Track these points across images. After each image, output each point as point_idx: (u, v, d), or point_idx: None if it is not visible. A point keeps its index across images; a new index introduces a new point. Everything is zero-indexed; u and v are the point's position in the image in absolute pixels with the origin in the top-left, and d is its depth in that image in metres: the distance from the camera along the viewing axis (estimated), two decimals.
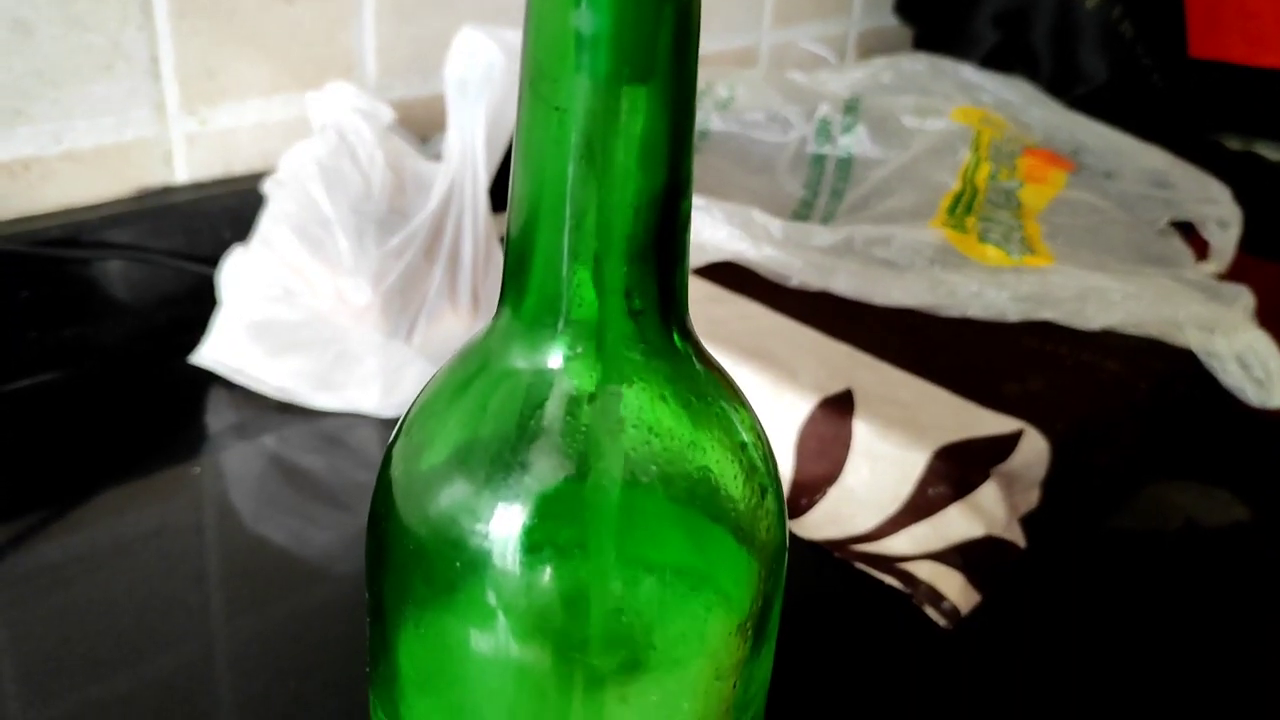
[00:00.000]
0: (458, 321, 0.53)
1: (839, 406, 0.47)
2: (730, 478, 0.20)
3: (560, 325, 0.19)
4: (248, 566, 0.42)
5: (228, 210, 0.57)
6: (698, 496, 0.19)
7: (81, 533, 0.43)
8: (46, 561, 0.41)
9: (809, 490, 0.46)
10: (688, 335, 0.20)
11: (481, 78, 0.52)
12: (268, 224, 0.52)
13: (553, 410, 0.19)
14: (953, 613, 0.41)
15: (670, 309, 0.19)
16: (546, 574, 0.18)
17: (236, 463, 0.49)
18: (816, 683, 0.38)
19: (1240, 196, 0.71)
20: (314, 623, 0.40)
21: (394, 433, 0.21)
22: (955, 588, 0.41)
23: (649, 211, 0.18)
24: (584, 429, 0.19)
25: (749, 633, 0.20)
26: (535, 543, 0.18)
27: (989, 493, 0.44)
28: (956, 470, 0.44)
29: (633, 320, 0.19)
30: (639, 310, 0.19)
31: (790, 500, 0.46)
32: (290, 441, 0.49)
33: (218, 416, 0.51)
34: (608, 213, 0.18)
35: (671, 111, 0.18)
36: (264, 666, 0.37)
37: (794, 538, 0.44)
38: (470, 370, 0.20)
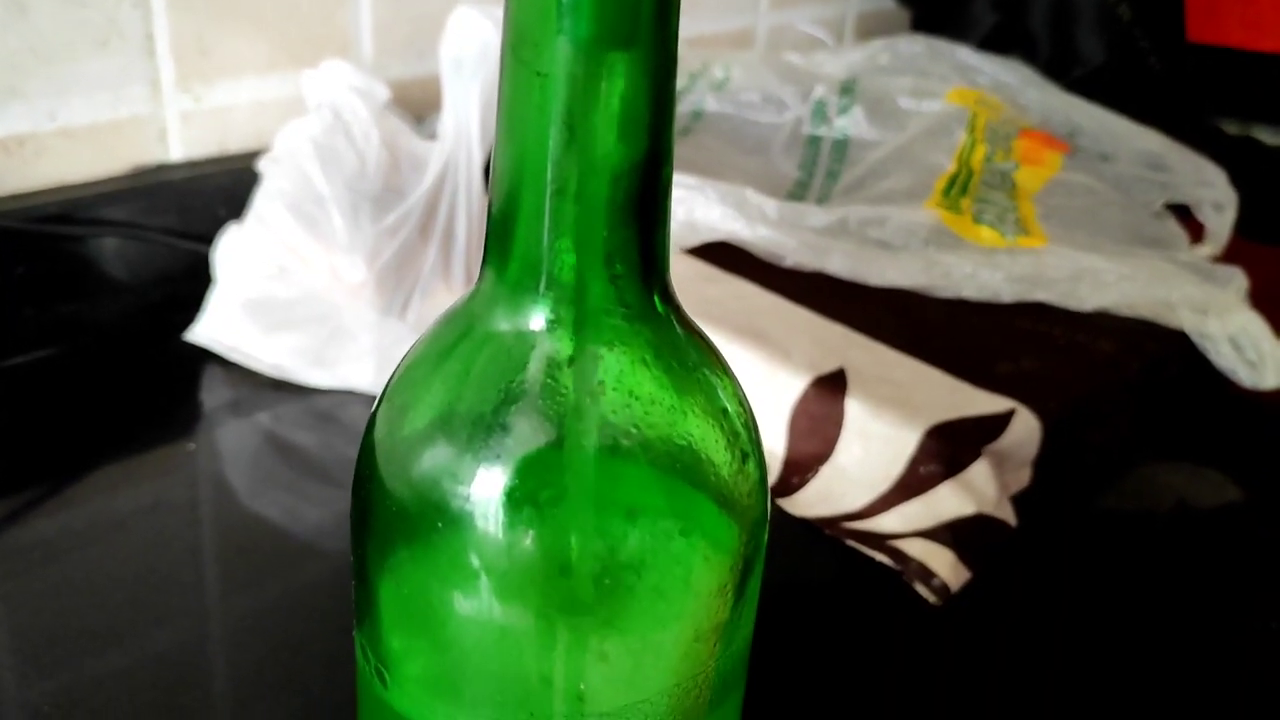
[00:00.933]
0: (451, 298, 0.52)
1: (832, 385, 0.47)
2: (711, 442, 0.20)
3: (542, 289, 0.19)
4: (242, 542, 0.43)
5: (222, 188, 0.57)
6: (678, 460, 0.19)
7: (76, 509, 0.43)
8: (41, 537, 0.41)
9: (801, 469, 0.46)
10: (669, 300, 0.20)
11: (477, 57, 0.52)
12: (262, 202, 0.52)
13: (534, 373, 0.19)
14: (943, 590, 0.41)
15: (651, 274, 0.19)
16: (527, 535, 0.19)
17: (231, 440, 0.49)
18: (806, 658, 0.38)
19: (1237, 181, 0.71)
20: (307, 598, 0.40)
21: (379, 396, 0.21)
22: (946, 565, 0.41)
23: (630, 177, 0.18)
24: (564, 392, 0.19)
25: (729, 595, 0.20)
26: (516, 504, 0.19)
27: (980, 471, 0.44)
28: (948, 449, 0.44)
29: (614, 285, 0.19)
30: (620, 275, 0.19)
31: (782, 478, 0.46)
32: (284, 418, 0.50)
33: (212, 394, 0.51)
34: (589, 178, 0.18)
35: (653, 78, 0.18)
36: (258, 641, 0.38)
37: (785, 515, 0.45)
38: (454, 334, 0.20)
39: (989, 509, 0.44)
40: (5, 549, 0.41)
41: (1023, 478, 0.47)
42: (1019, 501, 0.46)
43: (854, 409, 0.46)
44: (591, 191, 0.18)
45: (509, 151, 0.18)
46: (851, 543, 0.43)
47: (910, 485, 0.44)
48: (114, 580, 0.40)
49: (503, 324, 0.19)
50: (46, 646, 0.36)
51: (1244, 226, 0.69)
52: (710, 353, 0.21)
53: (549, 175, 0.18)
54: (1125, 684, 0.39)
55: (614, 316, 0.19)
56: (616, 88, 0.17)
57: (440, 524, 0.19)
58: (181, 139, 0.58)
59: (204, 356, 0.52)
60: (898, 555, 0.42)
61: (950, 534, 0.42)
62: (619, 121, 0.18)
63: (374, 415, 0.21)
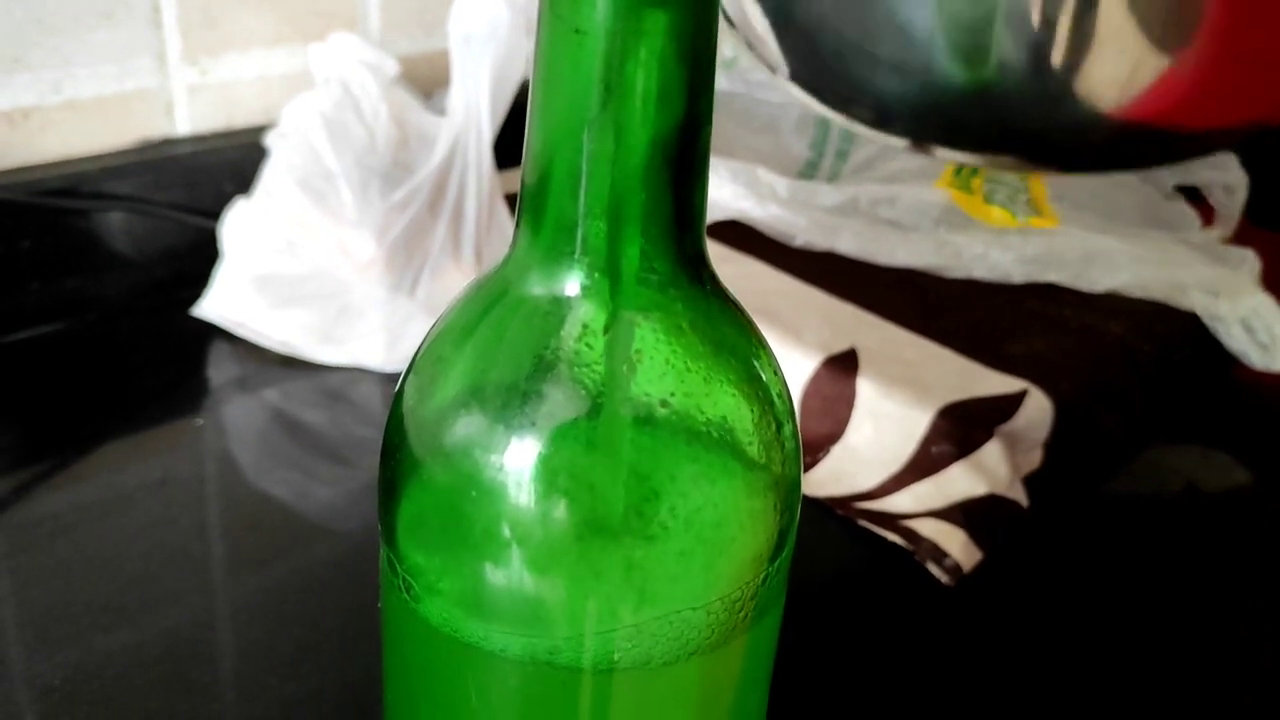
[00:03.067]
0: (461, 277, 0.52)
1: (843, 365, 0.47)
2: (746, 411, 0.20)
3: (577, 254, 0.19)
4: (251, 519, 0.42)
5: (230, 163, 0.57)
6: (713, 429, 0.19)
7: (85, 484, 0.43)
8: (50, 512, 0.41)
9: (812, 448, 0.46)
10: (705, 267, 0.20)
11: (486, 33, 0.52)
12: (270, 176, 0.51)
13: (568, 340, 0.19)
14: (955, 569, 0.41)
15: (688, 241, 0.19)
16: (560, 505, 0.18)
17: (239, 416, 0.49)
18: (819, 638, 0.38)
19: (1247, 167, 0.71)
20: (317, 574, 0.40)
21: (409, 363, 0.21)
22: (958, 545, 0.41)
23: (668, 141, 0.18)
24: (599, 359, 0.19)
25: (763, 563, 0.20)
26: (550, 474, 0.18)
27: (992, 451, 0.44)
28: (960, 429, 0.44)
29: (649, 251, 0.19)
30: (656, 241, 0.19)
31: None
32: (293, 396, 0.49)
33: (220, 370, 0.51)
34: (626, 141, 0.18)
35: (693, 38, 0.17)
36: (268, 617, 0.37)
37: None
38: (487, 300, 0.20)
39: (1001, 489, 0.44)
40: (14, 524, 0.41)
41: (1034, 459, 0.47)
42: (1030, 483, 0.45)
43: (865, 389, 0.46)
44: (629, 154, 0.18)
45: (545, 112, 0.18)
46: (863, 523, 0.43)
47: (922, 465, 0.44)
48: (123, 556, 0.39)
49: (537, 290, 0.19)
50: (55, 622, 0.36)
51: (1255, 214, 0.68)
52: (745, 321, 0.21)
53: (585, 137, 0.18)
54: (1135, 664, 0.39)
55: (649, 284, 0.19)
56: (655, 46, 0.17)
57: (474, 493, 0.19)
58: (188, 113, 0.58)
59: (212, 332, 0.52)
60: (910, 535, 0.42)
61: (962, 514, 0.42)
62: (658, 82, 0.17)
63: (403, 383, 0.21)
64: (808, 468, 0.45)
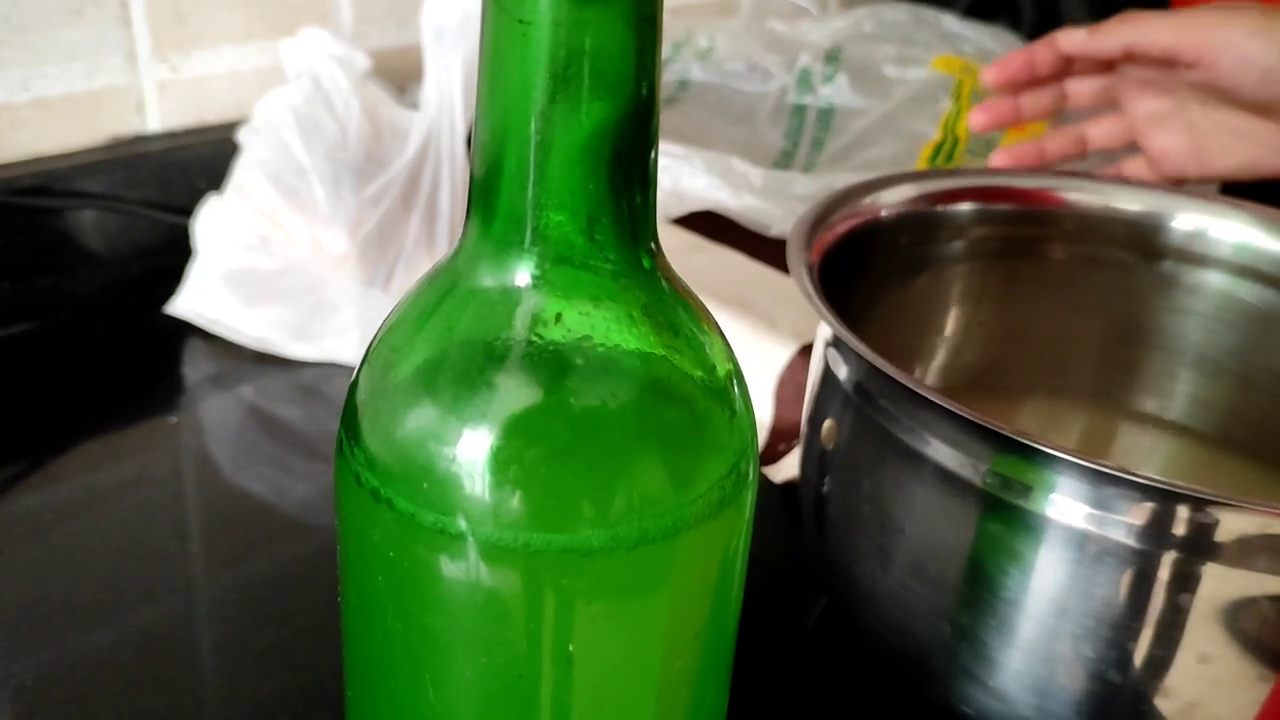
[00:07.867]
0: None
1: None
2: (698, 398, 0.20)
3: (527, 245, 0.19)
4: (226, 516, 0.42)
5: (201, 159, 0.56)
6: (664, 417, 0.19)
7: (59, 483, 0.43)
8: (24, 512, 0.41)
9: (787, 435, 0.46)
10: (655, 257, 0.20)
11: (458, 25, 0.52)
12: (243, 172, 0.51)
13: (519, 330, 0.19)
14: None
15: (638, 230, 0.19)
16: (514, 496, 0.18)
17: (214, 413, 0.49)
18: (797, 620, 0.38)
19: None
20: (292, 570, 0.40)
21: (362, 356, 0.21)
22: None
23: (615, 130, 0.18)
24: (550, 348, 0.19)
25: (717, 552, 0.20)
26: (503, 464, 0.18)
27: None
28: None
29: (599, 241, 0.19)
30: (606, 230, 0.19)
31: (769, 446, 0.46)
32: (268, 392, 0.49)
33: (195, 367, 0.51)
34: (574, 130, 0.18)
35: (638, 26, 0.17)
36: (243, 614, 0.37)
37: (770, 484, 0.45)
38: (439, 291, 0.20)
39: None
40: None
41: None
42: None
43: None
44: (576, 144, 0.18)
45: (492, 103, 0.18)
46: None
47: None
48: (97, 555, 0.39)
49: (487, 281, 0.19)
50: (29, 622, 0.36)
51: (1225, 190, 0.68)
52: (697, 310, 0.21)
53: (533, 128, 0.18)
54: None
55: (600, 273, 0.19)
56: (600, 35, 0.17)
57: (426, 484, 0.19)
58: (159, 110, 0.57)
59: (186, 330, 0.52)
60: None
61: None
62: (603, 71, 0.17)
63: (357, 376, 0.21)
64: (783, 454, 0.46)
